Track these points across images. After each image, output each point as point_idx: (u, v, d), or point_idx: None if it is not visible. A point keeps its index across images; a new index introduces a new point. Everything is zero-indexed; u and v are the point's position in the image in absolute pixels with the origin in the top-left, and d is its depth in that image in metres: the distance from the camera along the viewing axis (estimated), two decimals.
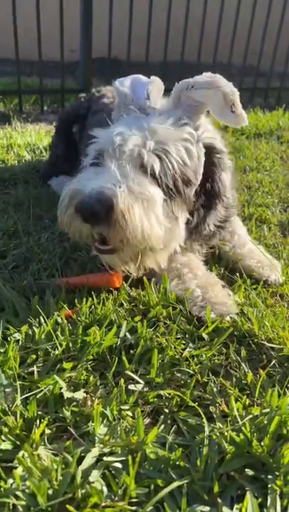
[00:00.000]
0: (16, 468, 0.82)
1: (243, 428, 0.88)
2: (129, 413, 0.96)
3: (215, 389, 1.02)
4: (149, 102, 1.33)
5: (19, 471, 0.80)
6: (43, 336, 1.14)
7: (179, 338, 1.18)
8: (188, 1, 3.89)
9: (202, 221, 1.37)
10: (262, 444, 0.85)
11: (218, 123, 1.65)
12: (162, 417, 0.97)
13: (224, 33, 4.14)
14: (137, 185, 1.13)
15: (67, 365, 1.05)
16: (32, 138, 2.90)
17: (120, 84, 1.41)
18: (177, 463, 0.84)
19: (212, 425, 0.92)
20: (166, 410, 0.98)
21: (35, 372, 1.04)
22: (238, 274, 1.48)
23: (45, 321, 1.18)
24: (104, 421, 0.93)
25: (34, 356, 1.09)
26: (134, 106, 1.34)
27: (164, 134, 1.24)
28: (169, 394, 1.01)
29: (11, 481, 0.80)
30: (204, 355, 1.12)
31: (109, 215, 1.08)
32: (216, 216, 1.39)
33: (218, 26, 4.11)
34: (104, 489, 0.78)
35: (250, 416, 0.91)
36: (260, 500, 0.79)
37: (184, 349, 1.14)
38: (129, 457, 0.81)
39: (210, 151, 1.33)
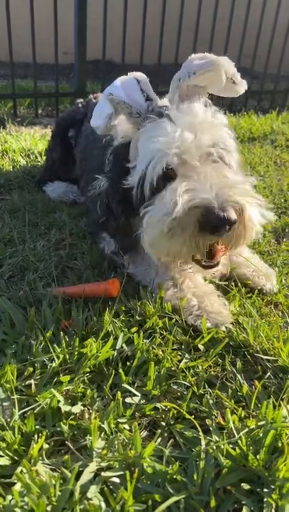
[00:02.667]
0: (14, 484, 0.82)
1: (239, 441, 0.89)
2: (127, 426, 0.97)
3: (211, 401, 1.03)
4: (153, 102, 1.30)
5: (18, 487, 0.81)
6: (39, 348, 1.14)
7: (175, 349, 1.19)
8: (182, 3, 3.90)
9: None
10: (258, 457, 0.86)
11: None
12: (159, 429, 0.98)
13: (218, 36, 4.16)
14: (236, 179, 1.16)
15: (64, 378, 1.05)
16: (27, 143, 2.89)
17: (114, 96, 1.26)
18: (174, 477, 0.85)
19: (208, 438, 0.93)
20: (163, 423, 0.99)
21: (33, 385, 1.05)
22: (233, 284, 1.49)
23: (42, 333, 1.18)
24: (102, 434, 0.94)
25: (31, 369, 1.09)
26: (139, 112, 1.28)
27: (214, 125, 1.23)
28: (166, 406, 1.02)
29: (9, 497, 0.80)
30: (200, 367, 1.13)
31: (240, 217, 1.10)
32: None
33: (212, 28, 4.13)
34: (103, 505, 0.79)
35: (246, 429, 0.92)
36: None
37: (180, 360, 1.15)
38: (127, 472, 0.82)
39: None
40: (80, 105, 2.32)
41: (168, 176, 1.20)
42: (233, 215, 1.07)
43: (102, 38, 3.70)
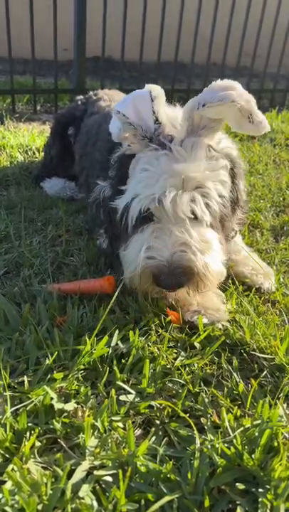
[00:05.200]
0: (5, 482, 0.81)
1: (234, 440, 0.88)
2: (120, 424, 0.95)
3: (206, 399, 1.02)
4: (161, 127, 1.23)
5: (8, 485, 0.80)
6: (33, 345, 1.13)
7: (170, 347, 1.18)
8: (182, 1, 3.88)
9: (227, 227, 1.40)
10: (253, 457, 0.85)
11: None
12: (153, 427, 0.96)
13: (218, 34, 4.14)
14: (202, 239, 1.19)
15: (57, 375, 1.04)
16: (25, 139, 2.87)
17: (121, 113, 1.22)
18: (168, 476, 0.83)
19: (203, 437, 0.92)
20: (158, 421, 0.97)
21: (26, 382, 1.03)
22: (230, 281, 1.48)
23: (36, 330, 1.16)
24: (95, 432, 0.93)
25: (25, 366, 1.07)
26: (145, 134, 1.23)
27: (203, 176, 1.20)
28: (161, 404, 1.00)
29: (0, 495, 0.79)
30: (196, 365, 1.12)
31: (191, 279, 1.17)
32: (236, 219, 1.44)
33: (212, 27, 4.11)
34: (95, 504, 0.78)
35: (242, 428, 0.90)
36: None
37: (175, 358, 1.14)
38: (120, 471, 0.81)
39: (231, 164, 1.32)
40: (79, 102, 2.31)
41: (148, 216, 1.23)
42: (180, 282, 1.17)
43: (101, 35, 3.68)
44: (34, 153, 2.72)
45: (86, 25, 3.57)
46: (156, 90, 1.22)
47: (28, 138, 2.90)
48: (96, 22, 3.70)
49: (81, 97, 2.36)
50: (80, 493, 0.79)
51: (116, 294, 1.25)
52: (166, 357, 1.13)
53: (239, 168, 1.37)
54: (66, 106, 3.81)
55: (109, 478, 0.83)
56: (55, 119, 2.41)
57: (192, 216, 1.20)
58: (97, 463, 0.86)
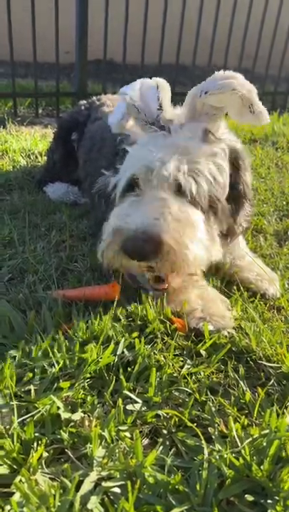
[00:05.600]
0: (13, 494, 0.80)
1: (242, 451, 0.88)
2: (128, 434, 0.95)
3: (213, 408, 1.01)
4: (163, 113, 1.26)
5: (16, 497, 0.79)
6: (39, 353, 1.12)
7: (176, 355, 1.18)
8: (183, 3, 3.89)
9: (235, 223, 1.37)
10: (261, 468, 0.84)
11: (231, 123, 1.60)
12: (160, 437, 0.96)
13: (219, 36, 4.14)
14: (180, 214, 1.13)
15: (64, 384, 1.03)
16: (27, 142, 2.87)
17: (129, 95, 1.28)
18: (176, 487, 0.83)
19: (211, 447, 0.92)
20: (165, 431, 0.97)
21: (32, 391, 1.03)
22: (235, 288, 1.48)
23: (42, 337, 1.16)
24: (103, 442, 0.92)
25: (31, 374, 1.07)
26: (147, 119, 1.27)
27: (196, 153, 1.20)
28: (167, 414, 1.00)
29: (8, 507, 0.78)
30: (202, 373, 1.11)
31: (159, 250, 1.08)
32: (245, 215, 1.40)
33: (213, 29, 4.11)
34: None
35: (250, 439, 0.90)
36: None
37: (182, 366, 1.14)
38: (128, 482, 0.81)
39: (234, 154, 1.32)
40: (82, 107, 2.30)
41: (132, 188, 1.23)
42: (144, 250, 1.08)
43: (103, 38, 3.68)
44: (37, 157, 2.72)
45: (88, 27, 3.58)
46: (163, 82, 1.28)
47: (30, 142, 2.90)
48: (97, 25, 3.71)
49: (84, 102, 2.36)
50: (89, 505, 0.78)
51: (122, 300, 1.25)
52: (173, 365, 1.12)
53: (244, 160, 1.35)
54: (68, 109, 3.82)
55: (117, 490, 0.83)
56: (58, 124, 2.41)
57: (175, 186, 1.18)
58: (104, 473, 0.86)
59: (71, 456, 0.89)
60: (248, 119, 1.21)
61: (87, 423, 0.97)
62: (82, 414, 0.99)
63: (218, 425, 0.97)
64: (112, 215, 1.22)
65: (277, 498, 0.81)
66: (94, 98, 2.34)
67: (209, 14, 4.03)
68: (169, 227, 1.09)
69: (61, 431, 0.93)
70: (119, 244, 1.13)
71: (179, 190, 1.18)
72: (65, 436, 0.92)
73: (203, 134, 1.24)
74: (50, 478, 0.85)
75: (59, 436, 0.93)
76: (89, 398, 1.02)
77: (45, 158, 2.55)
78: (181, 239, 1.10)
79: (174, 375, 1.10)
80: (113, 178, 1.34)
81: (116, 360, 1.12)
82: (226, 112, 1.25)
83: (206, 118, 1.25)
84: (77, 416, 0.97)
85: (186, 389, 1.06)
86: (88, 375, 1.08)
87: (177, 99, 1.39)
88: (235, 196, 1.35)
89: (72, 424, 0.96)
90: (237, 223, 1.38)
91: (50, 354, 1.11)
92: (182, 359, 1.16)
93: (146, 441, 0.96)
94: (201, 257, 1.16)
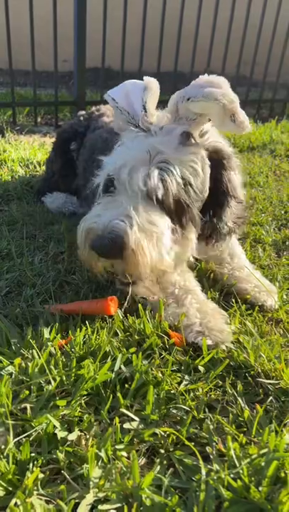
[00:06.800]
0: None
1: (240, 471, 0.86)
2: (124, 453, 0.94)
3: (211, 426, 1.00)
4: (147, 115, 1.30)
5: None
6: (36, 369, 1.11)
7: (174, 371, 1.17)
8: (181, 11, 3.92)
9: (219, 221, 1.37)
10: (260, 489, 0.83)
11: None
12: (158, 456, 0.95)
13: (217, 43, 4.17)
14: (146, 219, 1.18)
15: (60, 402, 1.03)
16: (26, 152, 2.88)
17: (113, 98, 1.36)
18: (174, 509, 0.82)
19: (209, 466, 0.90)
20: (162, 450, 0.96)
21: (28, 409, 1.02)
22: (233, 300, 1.47)
23: (38, 354, 1.15)
24: (99, 462, 0.91)
25: (27, 392, 1.06)
26: (131, 120, 1.32)
27: (170, 156, 1.22)
28: (165, 432, 0.99)
29: None
30: (201, 390, 1.10)
31: (122, 250, 1.15)
32: (231, 213, 1.39)
33: (211, 36, 4.13)
34: None
35: (248, 459, 0.89)
36: None
37: (179, 383, 1.13)
38: (125, 506, 0.79)
39: (218, 154, 1.33)
40: (81, 118, 2.31)
41: (110, 187, 1.29)
42: (109, 247, 1.15)
43: (101, 46, 3.70)
44: (35, 166, 2.72)
45: (86, 36, 3.59)
46: (151, 82, 1.31)
47: (29, 151, 2.91)
48: (96, 33, 3.73)
49: (83, 112, 2.37)
50: None
51: (119, 315, 1.24)
52: (170, 382, 1.12)
53: (229, 159, 1.35)
54: (67, 118, 3.84)
55: None
56: (58, 134, 2.42)
57: (145, 190, 1.21)
58: (101, 495, 0.85)
59: (67, 477, 0.88)
60: (229, 128, 1.23)
61: (83, 442, 0.96)
62: (79, 433, 0.98)
63: (216, 444, 0.96)
64: (87, 215, 1.27)
65: None
66: (93, 108, 2.36)
67: (207, 22, 4.06)
68: (132, 233, 1.14)
69: (57, 451, 0.92)
70: (89, 243, 1.20)
71: (149, 195, 1.22)
72: (61, 456, 0.91)
73: (182, 137, 1.26)
74: (45, 500, 0.84)
75: (55, 456, 0.92)
76: (86, 416, 1.01)
77: (44, 168, 2.55)
78: (142, 246, 1.15)
79: (172, 391, 1.09)
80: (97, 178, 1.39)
81: (113, 376, 1.11)
82: (207, 118, 1.27)
83: (188, 122, 1.26)
84: (73, 435, 0.96)
85: (184, 406, 1.05)
86: (85, 392, 1.07)
87: None
88: (220, 194, 1.35)
89: (68, 443, 0.95)
90: (222, 222, 1.37)
91: (47, 371, 1.10)
92: (180, 375, 1.15)
93: (143, 460, 0.95)
94: (162, 262, 1.21)
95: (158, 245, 1.19)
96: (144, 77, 1.33)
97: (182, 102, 1.23)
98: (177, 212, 1.25)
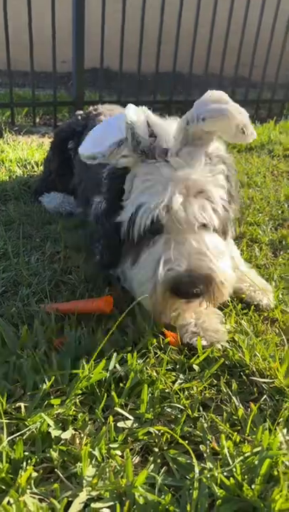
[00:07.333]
0: None
1: (233, 470, 0.87)
2: (118, 452, 0.94)
3: (206, 425, 1.00)
4: (156, 140, 1.25)
5: None
6: (31, 369, 1.11)
7: (169, 370, 1.17)
8: (180, 12, 3.92)
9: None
10: (253, 487, 0.83)
11: None
12: (152, 454, 0.95)
13: (216, 44, 4.17)
14: (215, 249, 1.21)
15: (55, 401, 1.03)
16: (24, 152, 2.88)
17: (130, 120, 1.21)
18: (167, 507, 0.82)
19: (202, 465, 0.91)
20: (156, 449, 0.96)
21: (23, 408, 1.02)
22: (229, 299, 1.47)
23: (33, 353, 1.15)
24: (93, 461, 0.91)
25: (22, 391, 1.06)
26: (142, 147, 1.23)
27: (207, 183, 1.23)
28: (159, 431, 0.99)
29: None
30: (195, 388, 1.10)
31: (209, 287, 1.17)
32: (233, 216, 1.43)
33: (209, 37, 4.14)
34: None
35: (241, 457, 0.89)
36: None
37: (174, 382, 1.13)
38: (118, 505, 0.80)
39: (226, 167, 1.34)
40: (79, 117, 2.32)
41: (155, 227, 1.23)
42: (201, 290, 1.16)
43: (100, 46, 3.70)
44: (33, 167, 2.72)
45: (84, 37, 3.60)
46: (146, 110, 1.26)
47: (26, 151, 2.91)
48: (94, 33, 3.73)
49: (81, 112, 2.38)
50: None
51: (114, 313, 1.24)
52: (165, 381, 1.12)
53: (233, 171, 1.39)
54: (66, 118, 3.84)
55: (106, 511, 0.82)
56: (55, 133, 2.43)
57: (202, 223, 1.22)
58: (94, 493, 0.85)
59: (60, 475, 0.88)
60: (239, 139, 1.24)
61: (77, 441, 0.97)
62: (73, 432, 0.98)
63: (210, 442, 0.96)
64: (146, 261, 1.24)
65: None
66: (91, 108, 2.36)
67: (206, 22, 4.06)
68: (214, 265, 1.17)
69: (51, 449, 0.92)
70: (168, 288, 1.16)
71: (203, 225, 1.23)
72: (55, 455, 0.91)
73: (204, 157, 1.25)
74: (38, 499, 0.84)
75: (49, 455, 0.92)
76: (80, 415, 1.01)
77: (42, 168, 2.55)
78: (225, 272, 1.20)
79: (166, 390, 1.10)
80: (122, 214, 1.33)
81: (108, 375, 1.11)
82: (218, 134, 1.27)
83: (200, 142, 1.24)
84: (67, 434, 0.96)
85: (178, 405, 1.05)
86: (79, 391, 1.07)
87: (174, 107, 1.39)
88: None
89: (62, 442, 0.95)
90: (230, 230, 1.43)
91: (42, 370, 1.11)
92: (175, 374, 1.15)
93: (137, 458, 0.95)
94: (234, 279, 1.29)
95: (231, 269, 1.25)
96: (128, 105, 1.24)
97: (195, 123, 1.19)
98: (224, 231, 1.33)
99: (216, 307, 1.35)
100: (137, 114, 1.23)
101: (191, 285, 1.14)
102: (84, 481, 0.87)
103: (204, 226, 1.24)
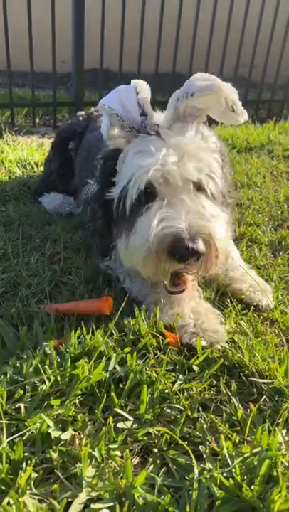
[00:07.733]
0: None
1: (233, 470, 0.87)
2: (118, 453, 0.94)
3: (205, 425, 1.01)
4: (148, 118, 1.27)
5: None
6: (30, 369, 1.12)
7: (168, 370, 1.17)
8: (179, 12, 3.92)
9: None
10: (252, 488, 0.84)
11: None
12: (151, 455, 0.95)
13: (215, 45, 4.17)
14: (212, 213, 1.19)
15: (55, 402, 1.03)
16: (23, 153, 2.88)
17: (108, 106, 1.27)
18: (166, 508, 0.82)
19: (202, 465, 0.91)
20: (156, 449, 0.96)
21: (23, 409, 1.02)
22: (228, 300, 1.47)
23: (33, 354, 1.16)
24: (93, 462, 0.91)
25: (22, 391, 1.06)
26: (132, 126, 1.26)
27: (200, 151, 1.22)
28: (159, 431, 0.99)
29: None
30: (195, 389, 1.11)
31: (210, 247, 1.14)
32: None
33: (209, 37, 4.14)
34: None
35: (241, 458, 0.89)
36: None
37: (173, 382, 1.13)
38: (117, 505, 0.80)
39: (221, 150, 1.34)
40: (80, 118, 2.32)
41: (148, 195, 1.21)
42: (202, 248, 1.11)
43: (99, 47, 3.70)
44: (33, 167, 2.72)
45: (84, 38, 3.60)
46: (141, 85, 1.28)
47: (26, 152, 2.91)
48: (94, 34, 3.73)
49: (82, 113, 2.38)
50: None
51: (113, 314, 1.25)
52: (164, 381, 1.12)
53: (226, 155, 1.39)
54: (65, 119, 3.85)
55: None
56: (57, 133, 2.43)
57: (201, 187, 1.21)
58: (94, 494, 0.85)
59: (60, 476, 0.88)
60: (229, 118, 1.26)
61: (77, 441, 0.97)
62: (73, 432, 0.98)
63: (210, 443, 0.96)
64: (140, 226, 1.19)
65: None
66: (92, 109, 2.37)
67: (205, 23, 4.06)
68: (212, 225, 1.14)
69: (51, 450, 0.92)
70: (167, 249, 1.12)
71: (198, 189, 1.21)
72: (55, 455, 0.92)
73: (195, 131, 1.26)
74: (38, 499, 0.84)
75: (48, 456, 0.92)
76: (80, 416, 1.01)
77: (42, 168, 2.56)
78: (221, 235, 1.16)
79: (166, 391, 1.10)
80: (114, 190, 1.32)
81: (107, 376, 1.11)
82: (208, 112, 1.28)
83: (191, 119, 1.26)
84: (67, 435, 0.96)
85: (178, 406, 1.05)
86: (79, 392, 1.08)
87: None
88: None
89: (62, 442, 0.95)
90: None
91: (42, 371, 1.11)
92: (174, 374, 1.15)
93: (136, 459, 0.95)
94: (227, 250, 1.27)
95: (226, 237, 1.23)
96: (132, 81, 1.29)
97: (185, 98, 1.22)
98: (221, 202, 1.30)
99: (208, 275, 1.33)
100: (120, 95, 1.26)
101: (191, 241, 1.09)
102: (84, 482, 0.87)
103: (200, 190, 1.22)
